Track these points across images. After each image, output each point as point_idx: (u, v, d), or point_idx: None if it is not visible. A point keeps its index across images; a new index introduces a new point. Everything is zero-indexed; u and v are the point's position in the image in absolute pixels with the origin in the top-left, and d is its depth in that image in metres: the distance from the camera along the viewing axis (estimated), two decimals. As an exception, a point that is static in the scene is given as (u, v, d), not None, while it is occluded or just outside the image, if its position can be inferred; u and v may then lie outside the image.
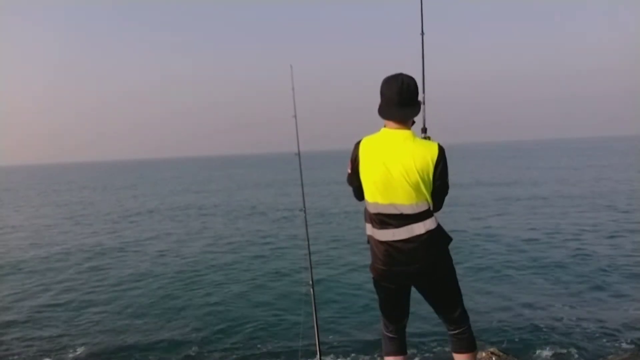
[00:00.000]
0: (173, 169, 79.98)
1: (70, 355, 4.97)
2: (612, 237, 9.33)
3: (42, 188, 39.87)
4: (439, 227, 2.22)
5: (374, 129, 2.28)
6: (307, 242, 3.50)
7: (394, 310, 2.43)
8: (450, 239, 2.29)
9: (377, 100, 2.25)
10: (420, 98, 2.24)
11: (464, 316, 2.39)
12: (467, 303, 2.46)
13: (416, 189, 2.12)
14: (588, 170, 28.08)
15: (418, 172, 2.10)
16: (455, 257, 2.34)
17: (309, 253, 3.42)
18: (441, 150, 2.15)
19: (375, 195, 2.19)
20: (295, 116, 3.68)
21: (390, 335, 2.47)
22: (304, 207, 3.65)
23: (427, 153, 2.12)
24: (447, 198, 2.28)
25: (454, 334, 2.40)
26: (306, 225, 3.54)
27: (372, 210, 2.23)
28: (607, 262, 7.39)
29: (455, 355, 2.42)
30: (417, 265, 2.18)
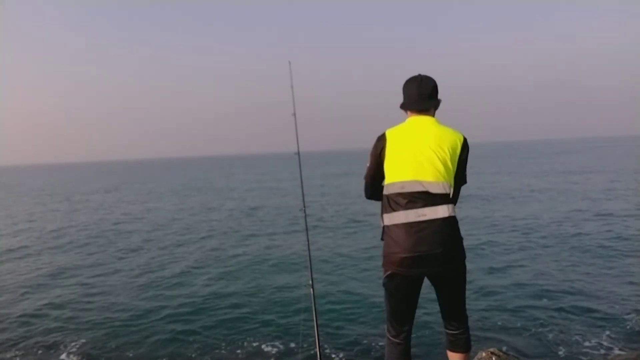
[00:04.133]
0: (170, 169, 79.98)
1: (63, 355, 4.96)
2: (619, 235, 9.31)
3: None
4: (457, 220, 2.29)
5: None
6: (307, 242, 3.48)
7: (404, 309, 2.36)
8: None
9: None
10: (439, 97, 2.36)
11: (465, 316, 2.45)
12: (467, 302, 2.48)
13: (444, 165, 2.20)
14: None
15: (448, 150, 2.22)
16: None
17: (309, 253, 3.40)
18: (466, 139, 2.31)
19: (402, 173, 2.22)
20: (294, 114, 3.64)
21: (397, 340, 2.41)
22: (304, 206, 3.63)
23: (455, 137, 2.27)
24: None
25: (454, 333, 2.43)
26: (306, 225, 3.53)
27: (396, 190, 2.23)
28: (610, 261, 7.37)
29: (450, 354, 2.46)
30: (441, 250, 2.18)
